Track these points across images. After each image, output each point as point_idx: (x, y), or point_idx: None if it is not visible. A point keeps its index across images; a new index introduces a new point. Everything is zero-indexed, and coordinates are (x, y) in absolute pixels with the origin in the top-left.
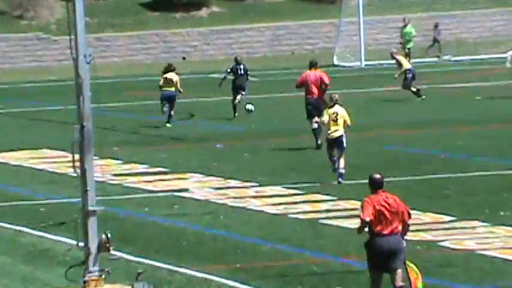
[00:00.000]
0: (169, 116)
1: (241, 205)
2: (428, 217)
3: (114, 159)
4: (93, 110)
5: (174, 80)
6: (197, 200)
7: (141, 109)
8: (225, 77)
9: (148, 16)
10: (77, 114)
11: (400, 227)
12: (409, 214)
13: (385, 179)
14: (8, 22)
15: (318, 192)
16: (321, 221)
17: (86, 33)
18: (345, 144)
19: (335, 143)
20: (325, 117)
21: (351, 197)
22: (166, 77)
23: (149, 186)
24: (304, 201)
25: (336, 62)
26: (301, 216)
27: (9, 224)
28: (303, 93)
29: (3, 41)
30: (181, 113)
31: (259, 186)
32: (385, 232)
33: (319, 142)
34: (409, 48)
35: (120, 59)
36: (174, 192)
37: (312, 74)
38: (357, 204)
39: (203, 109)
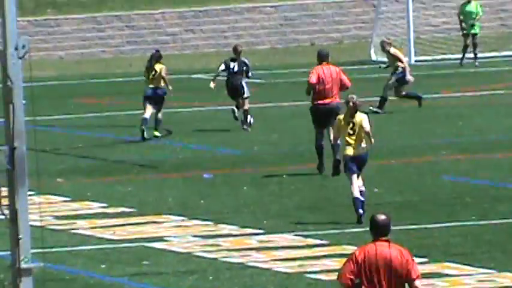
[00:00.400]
0: (158, 120)
1: (238, 261)
2: (507, 278)
3: (57, 195)
4: (28, 126)
5: (163, 73)
6: (176, 253)
7: (96, 123)
8: (215, 76)
9: None
10: (5, 132)
11: None
12: (417, 275)
13: (445, 223)
14: None
15: (349, 243)
16: None
17: (18, 15)
18: (366, 160)
19: (356, 162)
20: (338, 132)
21: None
22: (154, 69)
23: (107, 234)
24: (327, 256)
25: (373, 57)
26: (323, 276)
27: None
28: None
29: None
30: (152, 129)
31: (264, 233)
32: None
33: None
34: (473, 35)
35: (66, 53)
36: (144, 243)
37: (326, 70)
38: None
39: (185, 123)
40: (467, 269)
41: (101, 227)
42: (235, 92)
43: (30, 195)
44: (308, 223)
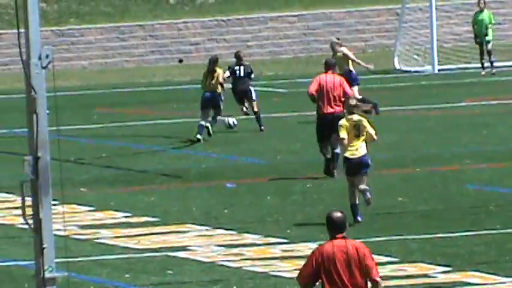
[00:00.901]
0: (214, 122)
1: (262, 270)
2: None
3: (81, 204)
4: (52, 136)
5: (221, 79)
6: (200, 262)
7: (120, 133)
8: (221, 84)
9: (130, 1)
10: (29, 141)
11: (364, 287)
12: (377, 271)
13: (469, 232)
14: None
15: (372, 252)
16: None
17: (42, 25)
18: (370, 165)
19: (358, 166)
20: (343, 134)
21: (418, 259)
22: (213, 73)
23: (131, 244)
24: None
25: (397, 66)
26: None
27: None
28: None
29: None
30: (177, 138)
31: (288, 242)
32: None
33: (335, 172)
34: (487, 42)
35: (90, 62)
36: (167, 252)
37: (329, 80)
38: (425, 268)
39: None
40: (492, 278)
41: (125, 237)
42: (244, 96)
43: (54, 204)
44: None
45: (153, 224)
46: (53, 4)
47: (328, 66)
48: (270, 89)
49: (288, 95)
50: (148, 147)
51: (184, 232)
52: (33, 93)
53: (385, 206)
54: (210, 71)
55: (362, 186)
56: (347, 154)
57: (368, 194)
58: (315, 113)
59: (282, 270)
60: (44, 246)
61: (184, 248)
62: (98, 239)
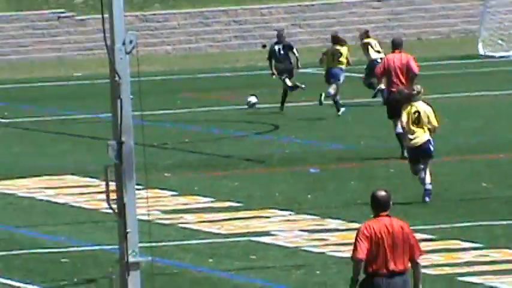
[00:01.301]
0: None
1: (346, 255)
2: None
3: (165, 189)
4: (136, 120)
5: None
6: (283, 247)
7: (203, 118)
8: (270, 63)
9: None
10: (113, 126)
11: (407, 266)
12: (420, 251)
13: None
14: None
15: (457, 238)
16: (460, 278)
17: (126, 10)
18: (432, 152)
19: (420, 152)
20: (404, 118)
21: (503, 245)
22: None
23: (214, 229)
24: (436, 250)
25: (481, 51)
26: (431, 271)
27: (18, 281)
28: (433, 96)
29: (7, 22)
30: (260, 124)
31: None
32: (384, 271)
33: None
34: None
35: (173, 48)
36: (250, 237)
37: (397, 59)
38: (510, 254)
39: (291, 118)
40: None
41: (209, 221)
42: (289, 73)
43: (137, 189)
44: (415, 218)
45: (236, 209)
46: None
47: (395, 46)
48: (354, 74)
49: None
50: (232, 133)
51: (267, 217)
52: (117, 78)
53: (469, 192)
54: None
55: (427, 180)
56: (408, 141)
57: (427, 198)
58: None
59: None
60: (128, 230)
61: (267, 233)
62: (181, 223)
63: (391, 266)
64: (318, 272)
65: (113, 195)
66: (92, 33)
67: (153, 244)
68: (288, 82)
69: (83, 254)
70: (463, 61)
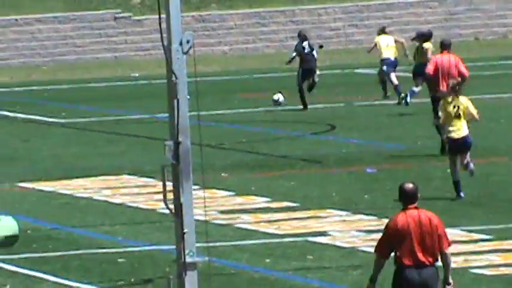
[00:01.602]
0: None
1: None
2: None
3: (222, 189)
4: (192, 121)
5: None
6: (340, 247)
7: (260, 118)
8: (292, 59)
9: None
10: (170, 127)
11: (436, 257)
12: (448, 242)
13: None
14: None
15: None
16: None
17: (183, 10)
18: (471, 144)
19: (460, 145)
20: (442, 116)
21: None
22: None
23: (271, 229)
24: (492, 251)
25: None
26: (488, 271)
27: (76, 281)
28: (490, 96)
29: (65, 23)
30: (316, 124)
31: None
32: (414, 263)
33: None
34: None
35: (230, 48)
36: (307, 237)
37: (445, 60)
38: None
39: (348, 118)
40: None
41: (266, 222)
42: (310, 73)
43: (194, 189)
44: (472, 218)
45: (293, 209)
46: None
47: (444, 47)
48: (410, 75)
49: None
50: (288, 133)
51: (324, 217)
52: (174, 78)
53: None
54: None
55: (465, 160)
56: (449, 134)
57: (471, 165)
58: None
59: None
60: (185, 231)
61: (324, 233)
62: (238, 223)
63: (421, 258)
64: None
65: (170, 196)
66: (148, 34)
67: (210, 244)
68: (316, 77)
69: (140, 254)
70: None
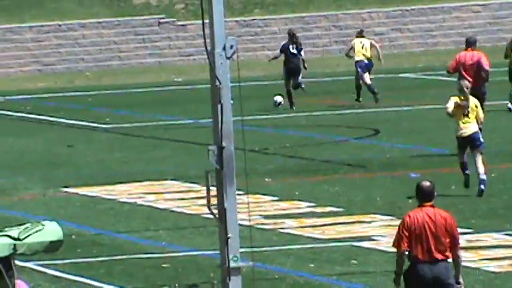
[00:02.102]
0: None
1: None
2: None
3: (266, 194)
4: (236, 125)
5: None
6: (384, 252)
7: (304, 123)
8: (275, 57)
9: None
10: (213, 131)
11: (449, 255)
12: (458, 242)
13: None
14: (116, 1)
15: None
16: None
17: (226, 16)
18: (482, 142)
19: (468, 142)
20: (450, 105)
21: None
22: None
23: (316, 233)
24: None
25: None
26: None
27: (120, 286)
28: None
29: (109, 28)
30: (361, 129)
31: (473, 233)
32: (427, 258)
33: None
34: None
35: (274, 53)
36: (352, 242)
37: (468, 56)
38: None
39: (392, 122)
40: None
41: (310, 226)
42: (292, 72)
43: (238, 194)
44: None
45: (337, 213)
46: None
47: (468, 44)
48: (449, 79)
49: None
50: (332, 137)
51: (368, 222)
52: (217, 83)
53: None
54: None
55: (481, 171)
56: (457, 132)
57: (482, 186)
58: (501, 102)
59: (466, 260)
60: (229, 235)
61: (368, 238)
62: (282, 228)
63: (434, 254)
64: None
65: (214, 200)
66: (192, 39)
67: (254, 249)
68: (300, 79)
69: (184, 259)
70: None
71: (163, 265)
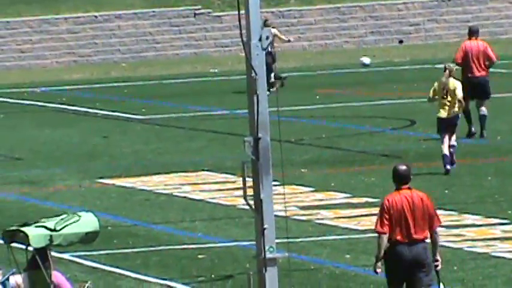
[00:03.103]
0: None
1: (483, 251)
2: None
3: (301, 185)
4: (273, 116)
5: None
6: None
7: (340, 114)
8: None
9: None
10: (249, 122)
11: (427, 235)
12: (439, 221)
13: None
14: None
15: None
16: None
17: (262, 7)
18: (457, 126)
19: (446, 125)
20: (430, 93)
21: None
22: None
23: (351, 224)
24: None
25: None
26: None
27: (156, 277)
28: None
29: (144, 19)
30: (397, 119)
31: (509, 223)
32: (406, 240)
33: (472, 129)
34: None
35: (310, 44)
36: None
37: (474, 45)
38: None
39: (427, 113)
40: None
41: (346, 217)
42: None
43: (274, 185)
44: None
45: (373, 204)
46: None
47: (471, 33)
48: (491, 70)
49: (508, 75)
50: (368, 128)
51: None
52: (253, 74)
53: None
54: None
55: (452, 143)
56: (437, 114)
57: (455, 143)
58: None
59: (503, 251)
60: (265, 226)
61: None
62: (318, 219)
63: (412, 235)
64: (455, 267)
65: (250, 191)
66: (228, 30)
67: (290, 240)
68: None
69: (220, 250)
70: None
71: (199, 256)
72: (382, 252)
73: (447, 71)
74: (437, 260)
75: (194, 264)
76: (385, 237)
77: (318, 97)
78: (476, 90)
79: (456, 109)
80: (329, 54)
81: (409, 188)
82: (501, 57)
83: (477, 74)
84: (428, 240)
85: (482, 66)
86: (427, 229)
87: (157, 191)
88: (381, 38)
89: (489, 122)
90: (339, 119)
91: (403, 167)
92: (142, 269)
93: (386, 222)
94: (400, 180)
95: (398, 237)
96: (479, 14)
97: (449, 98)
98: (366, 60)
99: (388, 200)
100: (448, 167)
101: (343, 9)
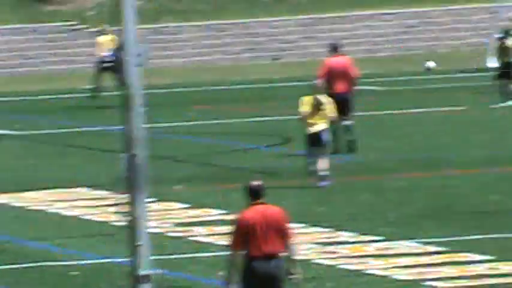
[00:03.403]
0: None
1: (356, 268)
2: None
3: (176, 201)
4: (147, 133)
5: None
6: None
7: (215, 130)
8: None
9: None
10: (124, 138)
11: (281, 249)
12: (292, 234)
13: None
14: (27, 7)
15: (468, 251)
16: None
17: (137, 23)
18: (327, 140)
19: (316, 139)
20: (304, 108)
21: None
22: None
23: (226, 241)
24: (448, 263)
25: (489, 65)
26: (442, 283)
27: None
28: (444, 109)
29: (18, 34)
30: (272, 136)
31: (383, 240)
32: (260, 254)
33: (339, 146)
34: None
35: (186, 60)
36: None
37: (336, 61)
38: None
39: (301, 131)
40: None
41: (220, 234)
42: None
43: (149, 202)
44: (427, 230)
45: None
46: (150, 0)
47: (333, 49)
48: (365, 87)
49: (383, 93)
50: (243, 145)
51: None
52: (128, 90)
53: (480, 204)
54: None
55: (321, 167)
56: (307, 128)
57: (324, 173)
58: (413, 110)
59: (376, 268)
60: (139, 243)
61: None
62: (192, 236)
63: (266, 249)
64: (328, 284)
65: (124, 208)
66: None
67: (164, 257)
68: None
69: (94, 267)
70: (473, 74)
71: (72, 273)
72: (235, 272)
73: (314, 88)
74: (291, 274)
75: (68, 281)
76: (237, 255)
77: (193, 113)
78: (339, 105)
79: (325, 125)
80: (205, 71)
81: (262, 203)
82: (376, 75)
83: (340, 89)
84: (284, 255)
85: (345, 82)
86: (282, 243)
87: (31, 208)
88: (256, 55)
89: (362, 139)
90: (215, 136)
91: (256, 183)
92: (15, 286)
93: (239, 239)
94: (254, 196)
95: (254, 252)
96: (354, 31)
97: (318, 114)
98: (431, 63)
99: (241, 217)
100: (322, 183)
101: (219, 26)
